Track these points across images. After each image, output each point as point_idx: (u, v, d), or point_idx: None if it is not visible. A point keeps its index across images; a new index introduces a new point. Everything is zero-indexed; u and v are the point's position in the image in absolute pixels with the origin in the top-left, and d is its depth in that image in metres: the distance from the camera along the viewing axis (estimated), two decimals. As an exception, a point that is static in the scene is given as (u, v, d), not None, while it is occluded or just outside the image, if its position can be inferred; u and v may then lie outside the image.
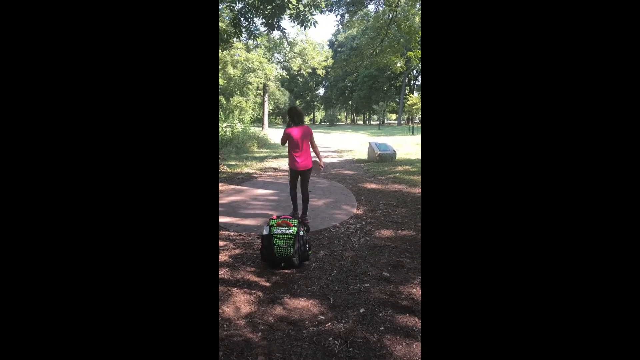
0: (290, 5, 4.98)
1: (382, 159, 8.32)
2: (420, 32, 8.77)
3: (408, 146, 12.47)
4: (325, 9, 9.11)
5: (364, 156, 9.44)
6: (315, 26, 5.04)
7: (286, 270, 2.51)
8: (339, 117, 57.09)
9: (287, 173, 6.15)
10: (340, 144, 14.86)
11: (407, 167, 7.48)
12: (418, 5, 9.14)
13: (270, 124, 38.92)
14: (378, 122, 45.85)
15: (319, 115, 59.15)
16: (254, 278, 2.40)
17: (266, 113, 27.52)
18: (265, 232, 2.55)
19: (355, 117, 56.79)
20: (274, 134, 19.37)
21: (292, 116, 3.44)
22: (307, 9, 5.01)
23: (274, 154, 10.57)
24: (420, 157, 9.29)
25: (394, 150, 8.70)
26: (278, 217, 2.65)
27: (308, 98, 51.52)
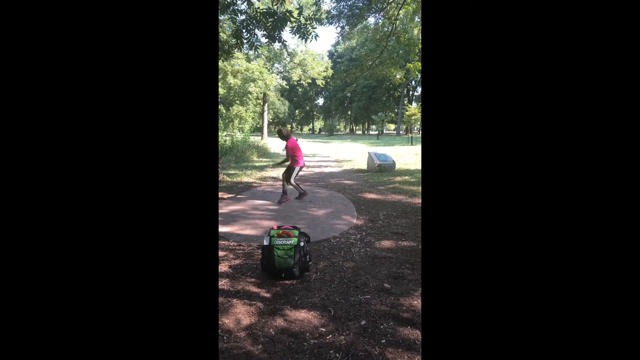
0: (292, 18, 5.06)
1: (382, 169, 8.35)
2: (419, 45, 8.90)
3: (407, 156, 12.51)
4: (326, 21, 9.24)
5: (364, 166, 9.46)
6: (316, 39, 5.11)
7: (286, 281, 2.49)
8: (338, 127, 57.40)
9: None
10: (340, 153, 14.90)
11: (407, 177, 7.50)
12: (417, 18, 9.30)
13: (270, 134, 39.03)
14: (377, 132, 46.09)
15: (318, 124, 59.47)
16: (254, 289, 2.39)
17: (266, 122, 27.64)
18: (265, 243, 2.55)
19: (354, 127, 57.10)
20: (274, 144, 19.41)
21: (283, 136, 5.03)
22: (308, 22, 5.09)
23: (274, 164, 10.58)
24: (419, 167, 9.31)
25: (393, 161, 8.73)
26: (279, 228, 2.65)
27: (307, 108, 51.88)
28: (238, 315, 2.04)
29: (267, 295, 2.30)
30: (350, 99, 45.22)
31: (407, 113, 33.29)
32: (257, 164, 10.28)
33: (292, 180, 5.13)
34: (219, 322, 1.96)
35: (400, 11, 8.94)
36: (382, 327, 1.93)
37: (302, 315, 2.05)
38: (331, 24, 9.44)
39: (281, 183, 5.73)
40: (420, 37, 8.95)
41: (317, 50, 26.97)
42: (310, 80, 25.29)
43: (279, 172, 8.60)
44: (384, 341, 1.80)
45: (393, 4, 8.93)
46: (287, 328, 1.92)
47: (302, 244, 2.56)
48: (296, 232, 2.60)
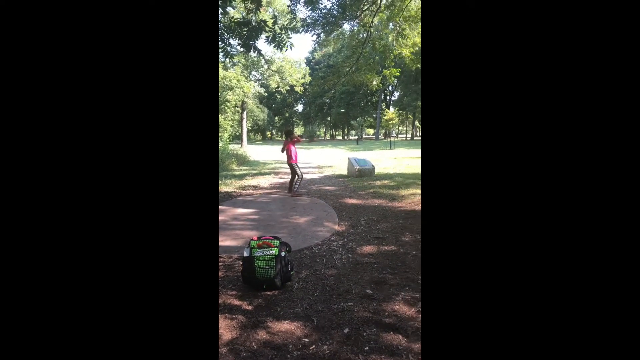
0: (267, 28, 5.07)
1: (362, 174, 8.43)
2: (394, 51, 9.08)
3: (386, 160, 12.69)
4: (302, 29, 9.31)
5: (344, 171, 9.53)
6: (291, 49, 5.14)
7: (268, 292, 2.46)
8: (319, 132, 57.64)
9: (268, 191, 6.92)
10: (321, 159, 14.94)
11: (386, 181, 7.59)
12: (391, 25, 9.50)
13: (250, 141, 38.76)
14: (356, 137, 46.57)
15: (299, 131, 59.52)
16: (236, 302, 2.35)
17: (245, 130, 27.46)
18: (246, 254, 2.51)
19: (334, 133, 57.46)
20: (254, 151, 19.26)
21: (288, 134, 6.32)
22: (283, 31, 5.11)
23: (254, 172, 10.49)
24: (398, 171, 9.47)
25: (372, 165, 8.84)
26: (259, 238, 2.62)
27: (287, 114, 51.87)
28: (219, 331, 2.00)
29: (249, 307, 2.27)
30: (329, 105, 45.54)
31: (385, 118, 33.86)
32: (236, 173, 10.16)
33: (297, 171, 6.22)
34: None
35: (375, 18, 9.11)
36: (365, 334, 1.93)
37: (285, 326, 2.03)
38: (307, 31, 9.50)
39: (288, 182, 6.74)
40: (394, 44, 9.13)
41: (294, 57, 27.16)
42: (288, 87, 25.35)
43: (259, 180, 8.54)
44: (367, 348, 1.80)
45: (367, 11, 9.10)
46: (270, 341, 1.89)
47: (283, 254, 2.54)
48: (277, 242, 2.58)
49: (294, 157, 6.27)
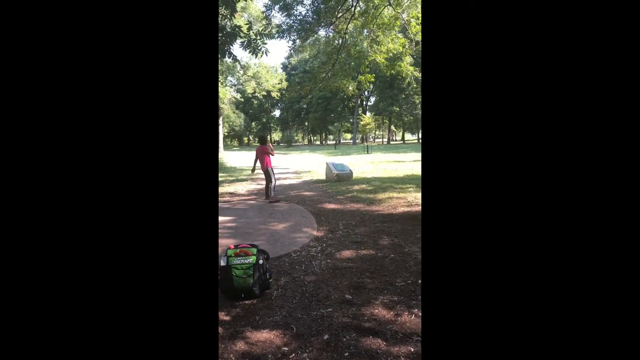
0: (242, 34, 5.04)
1: (340, 178, 8.49)
2: (369, 57, 9.24)
3: (364, 165, 12.84)
4: (277, 35, 9.32)
5: (323, 176, 9.56)
6: (266, 55, 5.14)
7: (247, 302, 2.42)
8: (296, 137, 57.66)
9: (245, 198, 6.85)
10: (299, 164, 14.92)
11: (364, 185, 7.67)
12: (365, 32, 9.67)
13: (226, 147, 38.26)
14: (334, 142, 46.93)
15: (276, 136, 59.30)
16: (213, 313, 2.29)
17: (221, 136, 27.12)
18: (222, 263, 2.46)
19: (312, 138, 57.64)
20: (231, 157, 18.99)
21: (263, 140, 6.33)
22: (258, 37, 5.09)
23: (231, 178, 10.34)
24: (375, 175, 9.59)
25: (350, 170, 8.92)
26: (236, 247, 2.58)
27: (264, 120, 51.58)
28: (196, 343, 1.94)
29: (227, 318, 2.22)
30: (306, 110, 45.67)
31: (362, 123, 34.33)
32: (213, 180, 9.96)
33: (272, 177, 6.12)
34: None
35: (349, 25, 9.25)
36: (344, 339, 1.93)
37: (264, 335, 2.00)
38: (282, 37, 9.52)
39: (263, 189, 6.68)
40: (369, 50, 9.29)
41: (270, 62, 27.14)
42: (265, 93, 25.25)
43: (236, 187, 8.42)
44: (347, 354, 1.80)
45: (342, 18, 9.22)
46: (249, 351, 1.86)
47: (261, 261, 2.50)
48: (254, 250, 2.54)
49: (268, 163, 6.20)
